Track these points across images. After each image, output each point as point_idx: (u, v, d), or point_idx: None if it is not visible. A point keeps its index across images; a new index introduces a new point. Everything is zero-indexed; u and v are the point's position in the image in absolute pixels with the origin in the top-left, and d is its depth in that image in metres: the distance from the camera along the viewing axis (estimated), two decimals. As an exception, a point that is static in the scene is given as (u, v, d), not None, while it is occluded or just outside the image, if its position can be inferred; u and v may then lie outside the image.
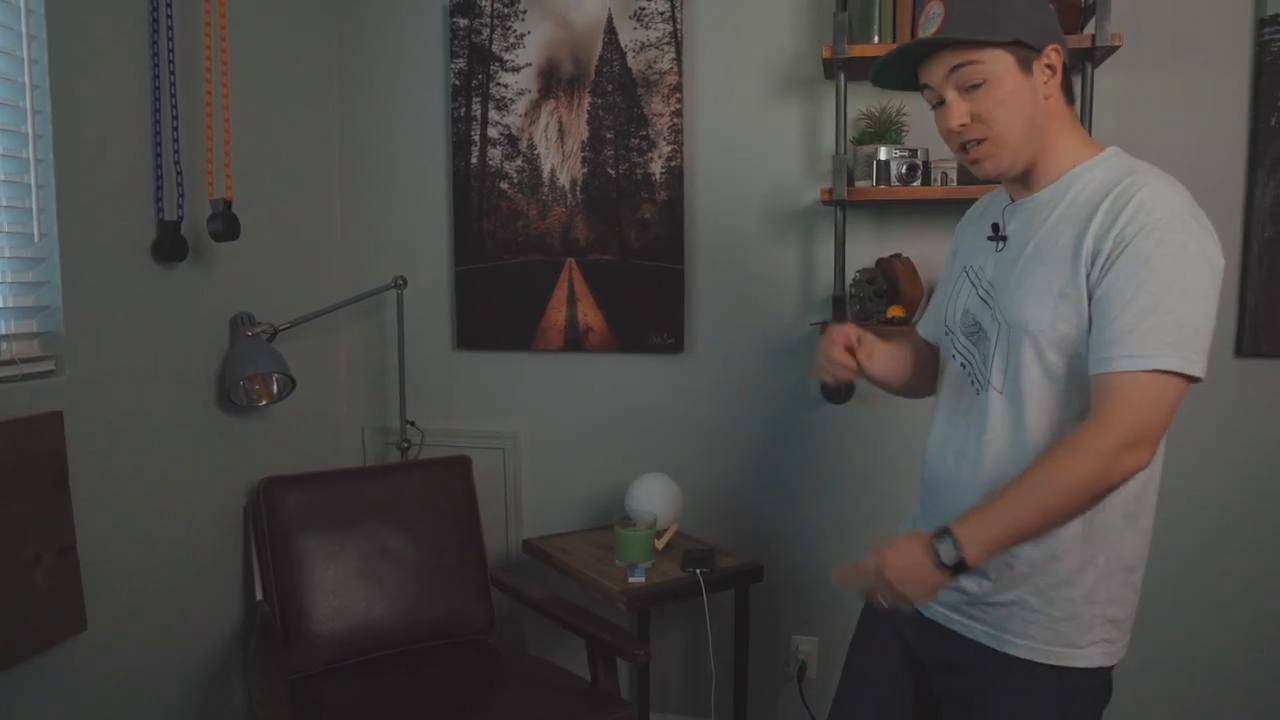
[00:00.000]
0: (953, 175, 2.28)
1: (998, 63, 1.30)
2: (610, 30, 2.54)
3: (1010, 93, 1.30)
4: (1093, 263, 1.26)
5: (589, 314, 2.61)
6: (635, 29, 2.52)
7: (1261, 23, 2.23)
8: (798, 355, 2.53)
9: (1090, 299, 1.26)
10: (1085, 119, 2.25)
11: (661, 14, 2.50)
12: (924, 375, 1.70)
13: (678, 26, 2.50)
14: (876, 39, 2.26)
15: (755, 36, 2.49)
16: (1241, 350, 2.31)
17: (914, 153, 2.26)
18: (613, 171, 2.57)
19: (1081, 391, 1.28)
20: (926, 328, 1.72)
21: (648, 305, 2.57)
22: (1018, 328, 1.33)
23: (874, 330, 2.27)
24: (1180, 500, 2.35)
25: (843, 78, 2.30)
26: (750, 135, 2.52)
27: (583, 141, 2.58)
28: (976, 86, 1.31)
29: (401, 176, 2.74)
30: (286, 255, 2.53)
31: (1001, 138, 1.33)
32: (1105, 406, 1.22)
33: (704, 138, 2.55)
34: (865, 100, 2.40)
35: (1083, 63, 2.24)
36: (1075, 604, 1.33)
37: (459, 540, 2.42)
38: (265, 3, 2.42)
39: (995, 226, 1.43)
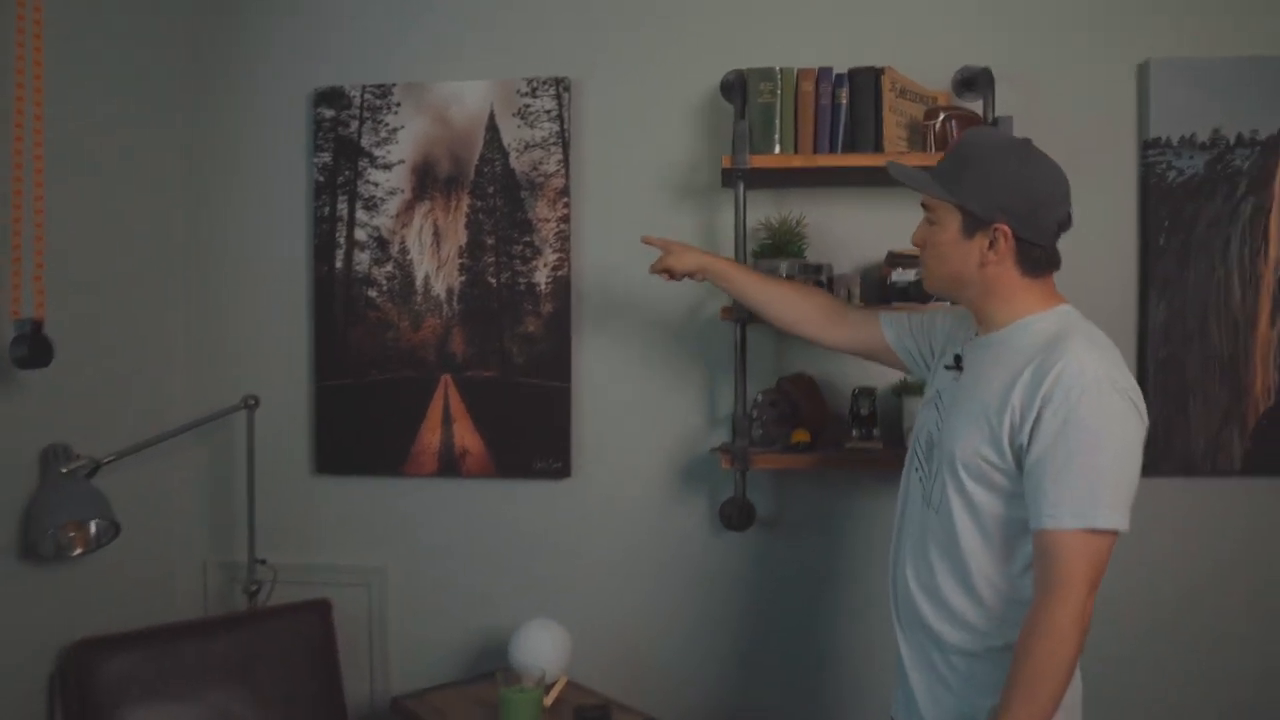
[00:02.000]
0: (856, 291, 2.18)
1: (946, 215, 1.49)
2: (492, 128, 2.35)
3: (946, 245, 1.49)
4: (1020, 419, 1.39)
5: (466, 436, 2.37)
6: (519, 127, 2.35)
7: (1145, 145, 2.24)
8: (696, 479, 2.36)
9: (1019, 454, 1.40)
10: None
11: (548, 112, 2.34)
12: (796, 306, 1.90)
13: (565, 126, 2.34)
14: (778, 149, 2.15)
15: (648, 140, 2.36)
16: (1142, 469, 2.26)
17: (819, 269, 2.15)
18: (494, 280, 2.37)
19: (1003, 525, 1.44)
20: (897, 325, 1.82)
21: (531, 426, 2.35)
22: (949, 454, 1.48)
23: (779, 457, 2.15)
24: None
25: (742, 187, 2.18)
26: (643, 244, 2.36)
27: (460, 247, 2.37)
28: (933, 223, 1.51)
29: (257, 283, 2.45)
30: (115, 376, 2.20)
31: (930, 274, 1.57)
32: (1052, 572, 1.34)
33: (593, 246, 2.38)
34: (764, 210, 2.29)
35: (983, 180, 2.19)
36: None
37: (316, 701, 2.10)
38: (94, 82, 2.13)
39: (958, 358, 1.57)
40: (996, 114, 2.17)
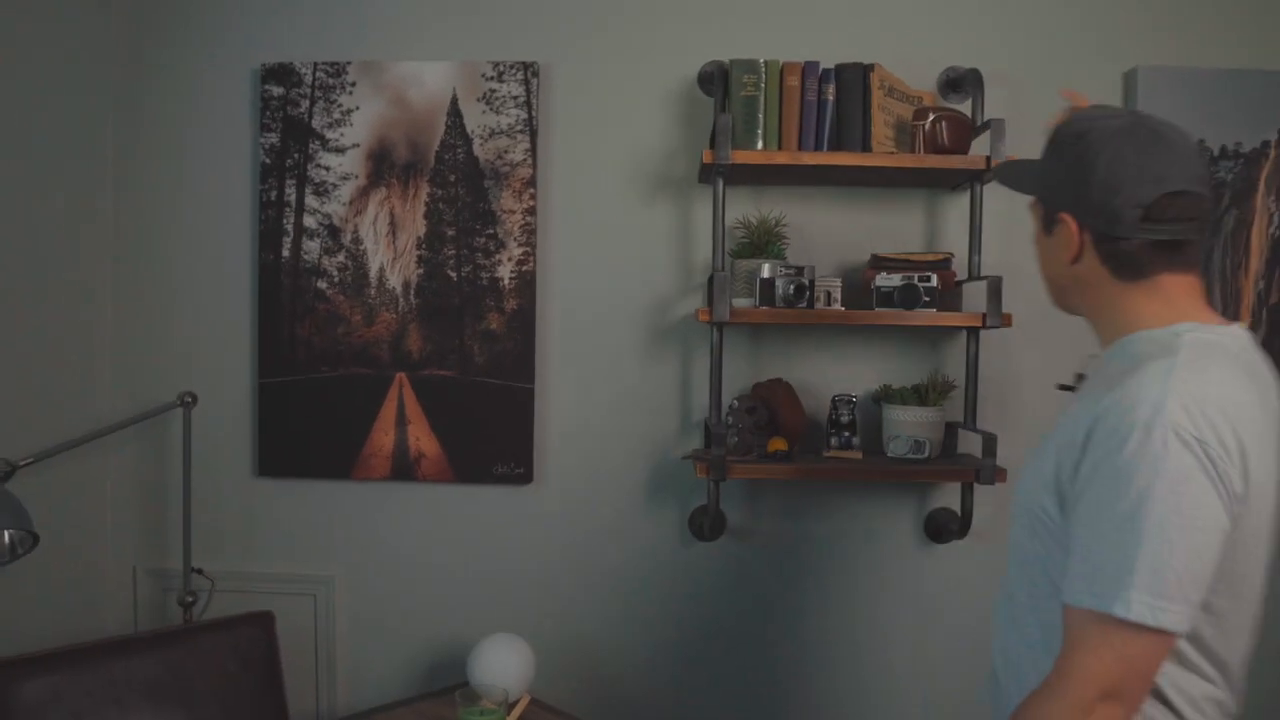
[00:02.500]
0: (837, 295, 2.09)
1: (1034, 213, 1.29)
2: (455, 113, 2.21)
3: (1039, 245, 1.29)
4: (1070, 460, 1.11)
5: (422, 438, 2.22)
6: (484, 113, 2.21)
7: (1132, 152, 2.19)
8: (666, 487, 2.25)
9: (1065, 502, 1.12)
10: (974, 236, 2.13)
11: (515, 98, 2.20)
12: None
13: (533, 113, 2.21)
14: (760, 145, 2.05)
15: (621, 131, 2.23)
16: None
17: (800, 270, 2.06)
18: (454, 274, 2.23)
19: (1054, 587, 1.12)
20: None
21: (492, 429, 2.22)
22: (1016, 496, 1.27)
23: (757, 467, 2.05)
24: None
25: (721, 184, 2.08)
26: (614, 239, 2.24)
27: (419, 238, 2.22)
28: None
29: (195, 271, 2.27)
30: (34, 372, 2.02)
31: (1044, 281, 1.31)
32: (1062, 657, 1.06)
33: (561, 239, 2.25)
34: (741, 208, 2.19)
35: (972, 182, 2.12)
36: None
37: (256, 724, 1.95)
38: (10, 50, 1.93)
39: (1079, 376, 1.43)
40: (986, 116, 2.11)
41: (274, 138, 2.22)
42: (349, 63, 2.21)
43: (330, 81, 2.21)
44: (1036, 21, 2.21)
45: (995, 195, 2.16)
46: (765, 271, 2.06)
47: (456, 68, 2.20)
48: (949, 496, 2.24)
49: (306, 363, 2.23)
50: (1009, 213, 2.18)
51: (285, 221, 2.22)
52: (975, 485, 2.11)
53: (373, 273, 2.23)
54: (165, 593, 2.25)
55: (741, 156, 2.01)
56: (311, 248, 2.22)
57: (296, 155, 2.22)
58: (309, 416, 2.23)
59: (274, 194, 2.22)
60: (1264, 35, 2.20)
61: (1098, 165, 1.15)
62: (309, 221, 2.22)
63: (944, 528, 2.22)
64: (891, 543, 2.25)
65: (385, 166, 2.22)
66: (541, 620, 2.24)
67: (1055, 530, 1.13)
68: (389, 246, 2.23)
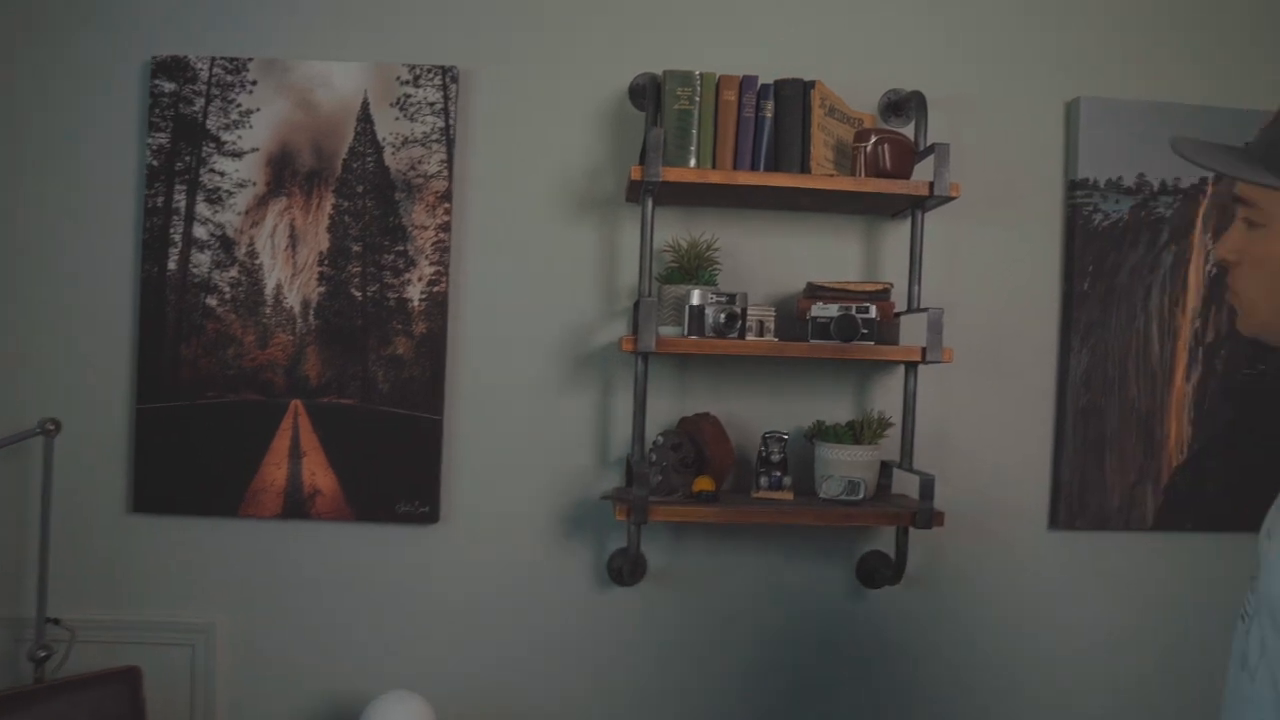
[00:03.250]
0: (770, 325, 1.97)
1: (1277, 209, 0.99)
2: (365, 118, 2.04)
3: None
4: None
5: (318, 472, 2.03)
6: (397, 119, 2.04)
7: (1072, 185, 2.13)
8: (583, 528, 2.09)
9: None
10: (915, 265, 2.03)
11: (431, 105, 2.04)
12: None
13: (450, 122, 2.05)
14: (694, 163, 1.92)
15: (544, 144, 2.09)
16: (1056, 523, 2.14)
17: (731, 298, 1.93)
18: (359, 293, 2.04)
19: None
20: None
21: (395, 464, 2.04)
22: (1269, 594, 0.99)
23: (680, 509, 1.91)
24: (1002, 664, 2.14)
25: (650, 203, 1.94)
26: (534, 260, 2.09)
27: (321, 253, 2.04)
28: (1256, 226, 1.03)
29: (65, 282, 2.04)
30: None
31: (1252, 306, 1.05)
32: None
33: (477, 259, 2.08)
34: (670, 230, 2.06)
35: (913, 209, 2.03)
36: None
37: (115, 796, 1.72)
38: None
39: None
40: (928, 141, 2.02)
41: (163, 138, 2.01)
42: (250, 59, 2.02)
43: (229, 79, 2.02)
44: (979, 48, 2.14)
45: (936, 223, 2.07)
46: (695, 298, 1.93)
47: (369, 69, 2.03)
48: (883, 539, 2.12)
49: (191, 387, 2.01)
50: (950, 242, 2.10)
51: (173, 231, 2.01)
52: (911, 529, 2.01)
53: (269, 290, 2.03)
54: (15, 646, 1.99)
55: (673, 174, 1.88)
56: (201, 260, 2.02)
57: (188, 158, 2.02)
58: (192, 447, 2.01)
59: (161, 200, 2.01)
60: (1205, 72, 2.16)
61: None
62: (199, 231, 2.02)
63: (877, 572, 2.10)
64: (823, 587, 2.13)
65: (287, 174, 2.03)
66: (445, 674, 2.06)
67: None
68: (288, 261, 2.03)
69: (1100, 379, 2.12)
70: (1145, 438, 2.13)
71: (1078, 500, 2.12)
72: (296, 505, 2.02)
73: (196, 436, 2.01)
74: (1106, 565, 2.16)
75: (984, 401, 2.14)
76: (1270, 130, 1.01)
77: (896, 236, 2.13)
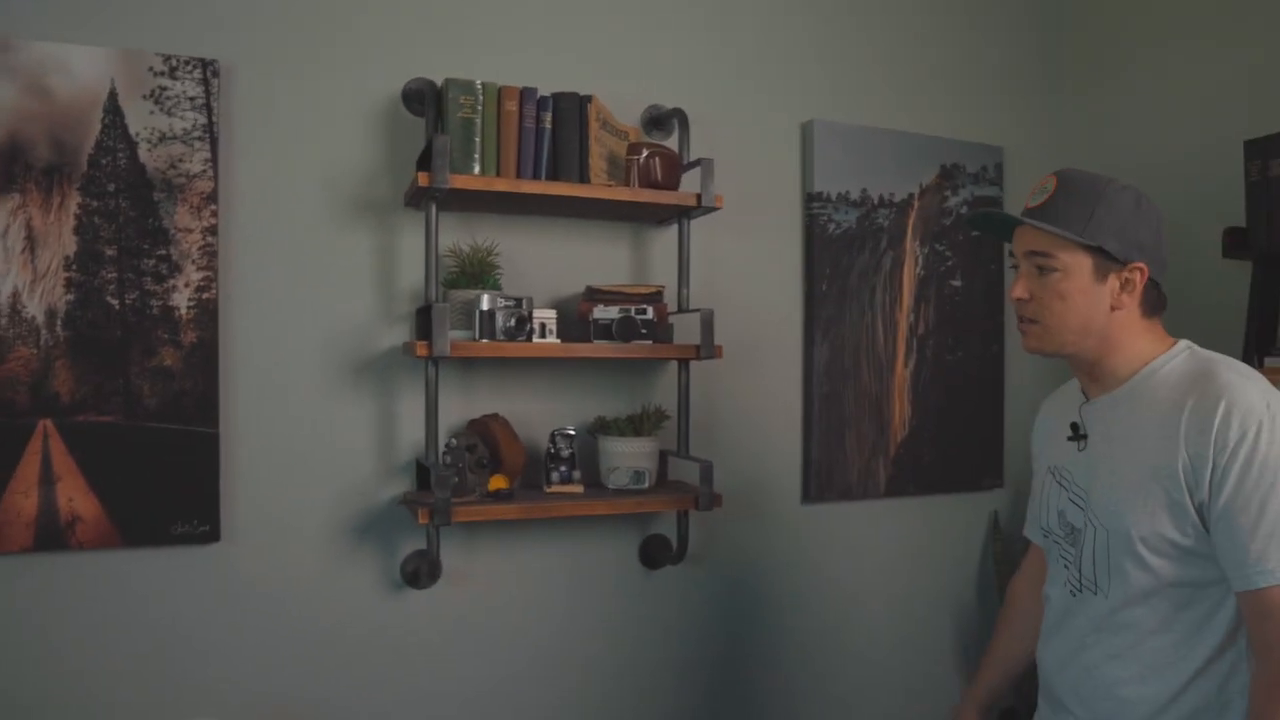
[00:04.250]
0: (552, 327, 2.06)
1: (1073, 261, 1.33)
2: (114, 110, 1.87)
3: (1075, 292, 1.34)
4: (1195, 471, 1.26)
5: (77, 498, 1.84)
6: (152, 114, 1.90)
7: (809, 197, 2.41)
8: (373, 534, 2.07)
9: (1202, 511, 1.26)
10: (683, 269, 2.20)
11: (191, 99, 1.92)
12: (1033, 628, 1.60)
13: (213, 118, 1.94)
14: (478, 170, 1.96)
15: (317, 145, 2.03)
16: (808, 496, 2.41)
17: (518, 302, 1.99)
18: (115, 301, 1.88)
19: (1194, 595, 1.29)
20: (1033, 531, 1.64)
21: (169, 482, 1.90)
22: (1118, 532, 1.33)
23: (483, 508, 1.95)
24: (770, 626, 2.38)
25: (434, 209, 1.96)
26: (308, 264, 2.03)
27: (67, 257, 1.85)
28: (1048, 271, 1.35)
29: None
30: None
31: (1051, 328, 1.37)
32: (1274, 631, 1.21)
33: (249, 263, 1.98)
34: (450, 235, 2.08)
35: (680, 217, 2.19)
36: None
37: None
38: None
39: (1075, 426, 1.44)
40: (692, 155, 2.20)
41: None
42: (-35, 37, 1.79)
43: (-62, 59, 1.78)
44: (726, 70, 2.36)
45: (696, 230, 2.25)
46: (485, 303, 1.97)
47: (115, 56, 1.87)
48: (662, 524, 2.29)
49: (-94, 411, 1.76)
50: (708, 247, 2.30)
51: (-127, 232, 1.74)
52: (691, 512, 2.18)
53: (3, 298, 1.81)
54: None
55: (460, 181, 1.91)
56: (-86, 266, 1.77)
57: (-114, 148, 1.75)
58: (-91, 479, 1.76)
59: None
60: (916, 103, 2.53)
61: (1160, 221, 1.37)
62: (-91, 233, 1.76)
63: (658, 554, 2.26)
64: (610, 572, 2.26)
65: (19, 168, 1.82)
66: (239, 697, 1.95)
67: (1184, 539, 1.27)
68: (26, 266, 1.83)
69: (839, 369, 2.42)
70: (876, 418, 2.46)
71: (825, 475, 2.41)
72: (52, 535, 1.82)
73: (-84, 467, 1.76)
74: (849, 530, 2.47)
75: (743, 392, 2.36)
76: (1053, 200, 1.36)
77: (662, 242, 2.29)
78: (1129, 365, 1.38)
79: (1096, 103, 2.64)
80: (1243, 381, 1.28)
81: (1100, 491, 1.37)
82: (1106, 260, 1.33)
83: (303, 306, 2.02)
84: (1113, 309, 1.35)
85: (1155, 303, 1.38)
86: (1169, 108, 2.43)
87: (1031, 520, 1.62)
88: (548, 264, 2.20)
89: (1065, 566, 1.45)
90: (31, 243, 1.83)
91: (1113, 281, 1.34)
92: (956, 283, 2.54)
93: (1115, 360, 1.38)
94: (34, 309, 1.84)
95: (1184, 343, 1.39)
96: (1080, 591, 1.40)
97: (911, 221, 2.50)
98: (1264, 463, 1.22)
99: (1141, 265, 1.33)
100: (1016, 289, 1.39)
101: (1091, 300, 1.34)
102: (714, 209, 2.10)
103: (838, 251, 2.42)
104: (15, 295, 1.82)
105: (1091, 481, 1.39)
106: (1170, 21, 2.44)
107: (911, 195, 2.50)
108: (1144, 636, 1.33)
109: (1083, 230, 1.32)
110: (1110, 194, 1.34)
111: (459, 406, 2.12)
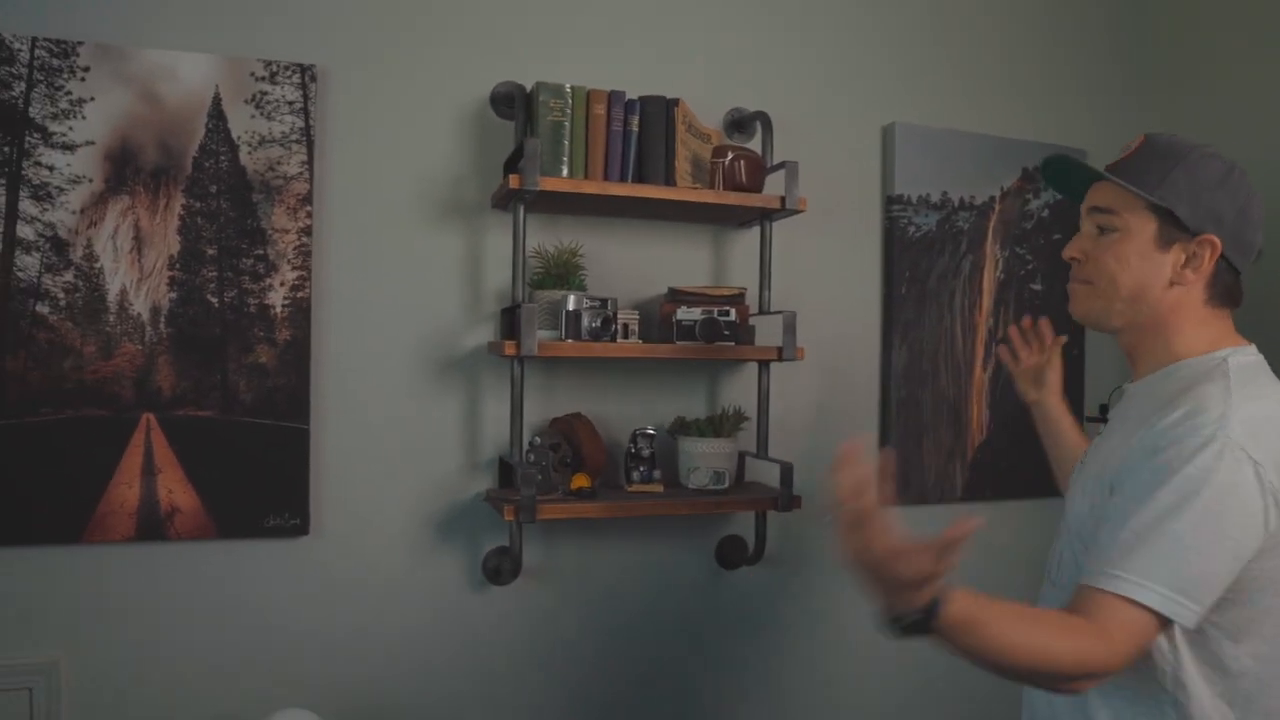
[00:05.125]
0: (635, 328, 2.07)
1: (1137, 222, 1.24)
2: (217, 114, 1.93)
3: (1132, 255, 1.24)
4: (1123, 462, 1.19)
5: (176, 490, 1.90)
6: (253, 117, 1.95)
7: (889, 200, 2.40)
8: (456, 530, 2.10)
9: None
10: (765, 271, 2.21)
11: (290, 103, 1.97)
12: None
13: (310, 122, 1.99)
14: (566, 173, 1.99)
15: (408, 148, 2.07)
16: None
17: (603, 303, 2.02)
18: (215, 300, 1.94)
19: None
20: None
21: (261, 476, 1.95)
22: (1070, 524, 1.32)
23: (566, 506, 1.97)
24: (843, 630, 2.37)
25: (522, 211, 1.99)
26: (398, 265, 2.07)
27: (171, 256, 1.91)
28: (1109, 231, 1.27)
29: None
30: None
31: (1102, 291, 1.28)
32: (1109, 625, 1.09)
33: (340, 264, 2.03)
34: (534, 237, 2.11)
35: (761, 219, 2.20)
36: None
37: None
38: None
39: (1103, 408, 1.42)
40: (776, 158, 2.20)
41: (-26, 127, 1.81)
42: (80, 43, 1.85)
43: (55, 63, 1.84)
44: (807, 73, 2.35)
45: (779, 231, 2.26)
46: (571, 304, 2.00)
47: (220, 63, 1.93)
48: (738, 525, 2.29)
49: (20, 403, 1.82)
50: (788, 250, 2.30)
51: (-9, 230, 1.82)
52: (769, 513, 2.19)
53: (112, 296, 1.88)
54: None
55: (550, 184, 1.93)
56: (29, 264, 1.83)
57: (7, 149, 1.82)
58: (23, 469, 1.82)
59: (-25, 196, 1.81)
60: (998, 105, 2.50)
61: (1252, 201, 1.24)
62: (25, 231, 1.83)
63: (734, 555, 2.27)
64: (686, 572, 2.27)
65: (129, 171, 1.88)
66: (329, 688, 2.00)
67: None
68: (133, 265, 1.89)
69: (917, 372, 2.41)
70: (954, 422, 2.44)
71: (901, 479, 2.40)
72: (152, 526, 1.88)
73: (27, 459, 1.82)
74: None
75: (821, 395, 2.36)
76: (1132, 157, 1.27)
77: (742, 244, 2.30)
78: (1171, 352, 1.26)
79: (1180, 105, 2.59)
80: (1228, 401, 1.14)
81: (1076, 483, 1.35)
82: (1175, 228, 1.22)
83: (391, 306, 2.07)
84: (1172, 284, 1.23)
85: (1226, 291, 1.25)
86: (1257, 110, 2.38)
87: None
88: (629, 265, 2.22)
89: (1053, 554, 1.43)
90: (139, 242, 1.90)
91: (1177, 252, 1.23)
92: (1037, 286, 2.52)
93: (1158, 344, 1.27)
94: (140, 306, 1.90)
95: (1230, 350, 1.24)
96: (1045, 581, 1.41)
97: (992, 225, 2.48)
98: (1186, 480, 1.10)
99: (1214, 239, 1.21)
100: (1069, 248, 1.31)
101: (1149, 268, 1.23)
102: (797, 211, 2.10)
103: (917, 254, 2.40)
104: (123, 293, 1.89)
105: (1080, 472, 1.37)
106: (1258, 22, 2.39)
107: (992, 198, 2.48)
108: None
109: (1154, 189, 1.21)
110: (1195, 158, 1.23)
111: (540, 405, 2.15)
